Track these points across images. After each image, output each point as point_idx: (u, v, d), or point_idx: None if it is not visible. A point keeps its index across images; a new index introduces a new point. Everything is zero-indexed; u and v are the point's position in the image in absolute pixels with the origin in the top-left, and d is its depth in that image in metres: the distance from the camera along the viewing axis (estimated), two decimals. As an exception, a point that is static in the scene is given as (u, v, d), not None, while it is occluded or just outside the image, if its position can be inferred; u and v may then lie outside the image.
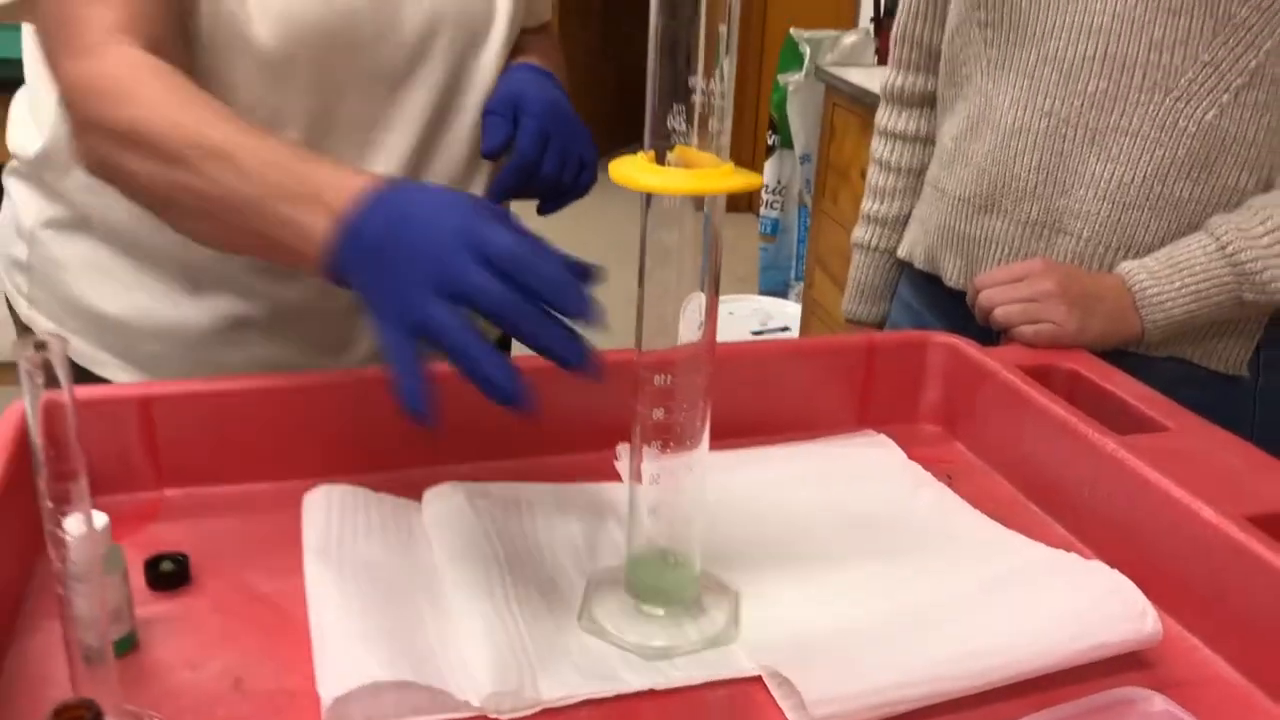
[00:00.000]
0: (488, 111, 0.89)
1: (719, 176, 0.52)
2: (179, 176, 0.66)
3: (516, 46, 0.94)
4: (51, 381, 0.47)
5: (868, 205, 1.16)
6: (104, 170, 0.72)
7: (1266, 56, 0.84)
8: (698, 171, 0.52)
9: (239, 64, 0.78)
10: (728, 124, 0.53)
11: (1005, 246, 0.96)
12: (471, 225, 0.55)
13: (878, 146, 1.15)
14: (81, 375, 0.91)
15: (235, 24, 0.77)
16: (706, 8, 0.51)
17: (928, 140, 1.11)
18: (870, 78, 2.12)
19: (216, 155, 0.65)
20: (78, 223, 0.88)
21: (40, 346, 0.47)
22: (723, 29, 0.51)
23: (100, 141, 0.70)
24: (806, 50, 2.89)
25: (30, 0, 0.75)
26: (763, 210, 3.20)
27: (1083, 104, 0.89)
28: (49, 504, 0.49)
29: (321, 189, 0.61)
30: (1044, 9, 0.90)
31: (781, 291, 3.19)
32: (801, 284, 2.82)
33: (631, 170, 0.53)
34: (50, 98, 0.84)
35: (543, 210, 0.90)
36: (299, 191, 0.62)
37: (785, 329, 2.74)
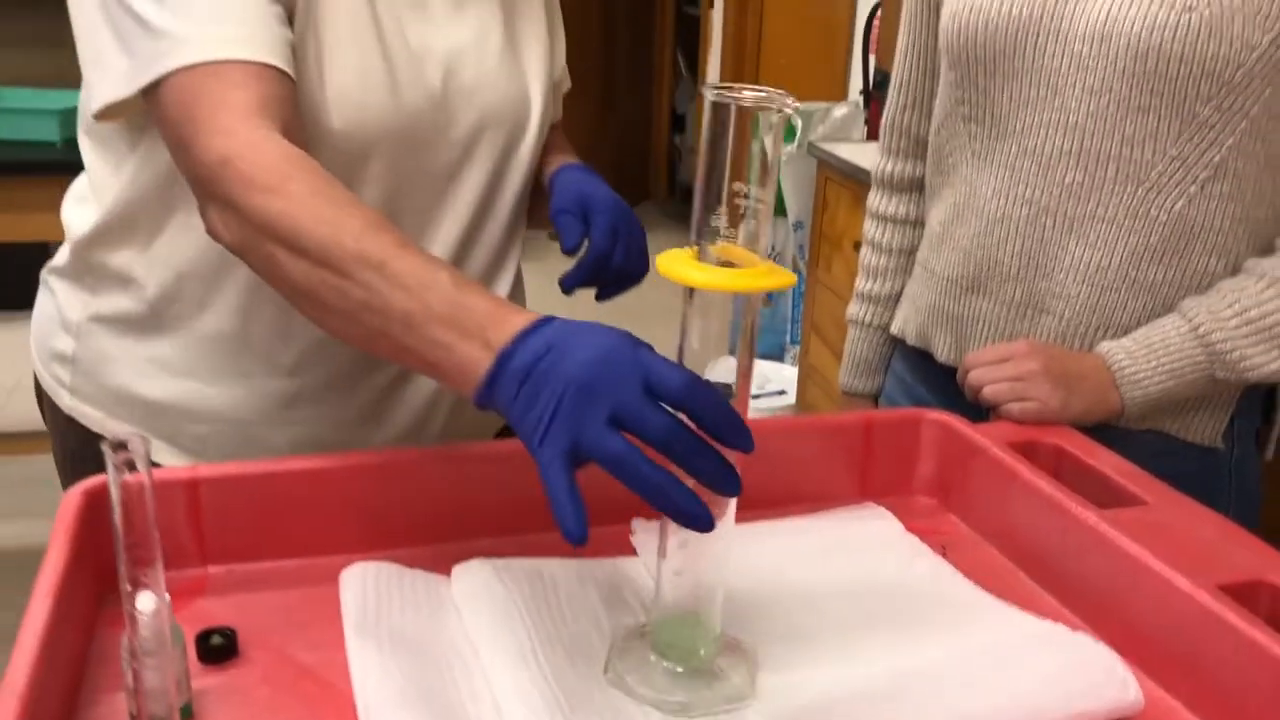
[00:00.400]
0: (560, 210, 0.97)
1: (756, 275, 0.58)
2: (330, 279, 0.69)
3: (547, 145, 1.04)
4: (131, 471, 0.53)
5: (861, 284, 1.22)
6: (244, 252, 0.75)
7: (1229, 152, 0.91)
8: (738, 271, 0.58)
9: (312, 150, 0.85)
10: (766, 225, 0.59)
11: (992, 326, 1.02)
12: (642, 360, 0.59)
13: (870, 228, 1.21)
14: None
15: (313, 111, 0.84)
16: (737, 130, 0.57)
17: (917, 222, 1.17)
18: (859, 153, 2.20)
19: (373, 266, 0.68)
20: (127, 314, 0.93)
21: (123, 446, 0.52)
22: (758, 147, 0.57)
23: (243, 226, 0.73)
24: (798, 122, 2.97)
25: (153, 95, 0.78)
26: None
27: (1061, 194, 0.96)
28: (127, 587, 0.54)
29: (484, 324, 0.64)
30: (1023, 106, 0.97)
31: (778, 355, 3.25)
32: (797, 347, 2.88)
33: (678, 266, 0.59)
34: (114, 178, 0.90)
35: (601, 297, 0.98)
36: (459, 321, 0.65)
37: (782, 392, 2.79)
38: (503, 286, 1.02)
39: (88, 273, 0.95)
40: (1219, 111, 0.90)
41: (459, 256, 0.96)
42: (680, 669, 0.65)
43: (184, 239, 0.90)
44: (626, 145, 5.36)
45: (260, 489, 0.76)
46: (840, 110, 2.94)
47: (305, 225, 0.70)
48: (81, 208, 0.95)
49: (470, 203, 0.95)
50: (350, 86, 0.85)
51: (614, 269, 0.96)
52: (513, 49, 0.98)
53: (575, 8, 4.78)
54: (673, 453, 0.58)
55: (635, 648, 0.67)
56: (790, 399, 2.70)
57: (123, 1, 0.78)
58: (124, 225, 0.91)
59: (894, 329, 1.17)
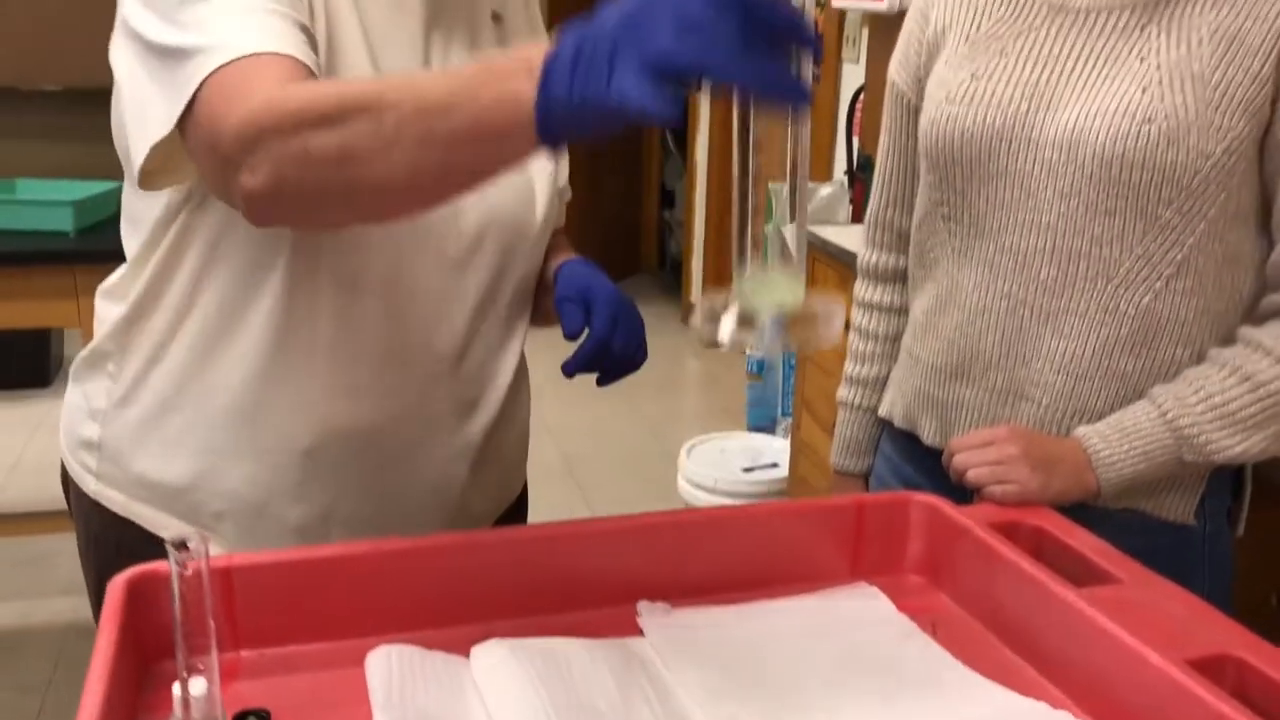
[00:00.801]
0: (564, 299, 1.03)
1: None
2: (364, 125, 0.70)
3: (550, 245, 1.12)
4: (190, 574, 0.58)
5: (850, 368, 1.28)
6: (279, 183, 0.75)
7: (1190, 251, 0.98)
8: None
9: (329, 235, 0.91)
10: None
11: (975, 411, 1.08)
12: None
13: (857, 315, 1.28)
14: (145, 539, 1.01)
15: None
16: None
17: (902, 310, 1.23)
18: (845, 235, 2.28)
19: (395, 87, 0.72)
20: (149, 396, 0.99)
21: (183, 545, 0.57)
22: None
23: (272, 147, 0.74)
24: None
25: (189, 121, 0.80)
26: (748, 352, 3.34)
27: (1037, 289, 1.02)
28: (184, 673, 0.59)
29: (514, 62, 0.66)
30: (999, 207, 1.04)
31: (769, 428, 3.31)
32: (789, 420, 2.94)
33: None
34: (154, 250, 0.95)
35: (602, 382, 1.04)
36: (492, 73, 0.68)
37: (774, 465, 2.84)
38: (506, 370, 1.08)
39: (114, 360, 1.01)
40: (1179, 214, 0.97)
41: (467, 337, 1.02)
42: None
43: (208, 325, 0.96)
44: (617, 220, 5.47)
45: (289, 576, 0.81)
46: (826, 190, 3.03)
47: (320, 96, 0.73)
48: (113, 298, 1.01)
49: (477, 290, 1.02)
50: None
51: (614, 355, 1.01)
52: None
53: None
54: (756, 19, 0.59)
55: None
56: (783, 472, 2.75)
57: (151, 46, 0.83)
58: (151, 314, 0.97)
59: (882, 411, 1.23)
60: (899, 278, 1.23)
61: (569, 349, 1.01)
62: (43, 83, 2.05)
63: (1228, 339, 1.01)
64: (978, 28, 1.08)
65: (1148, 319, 1.00)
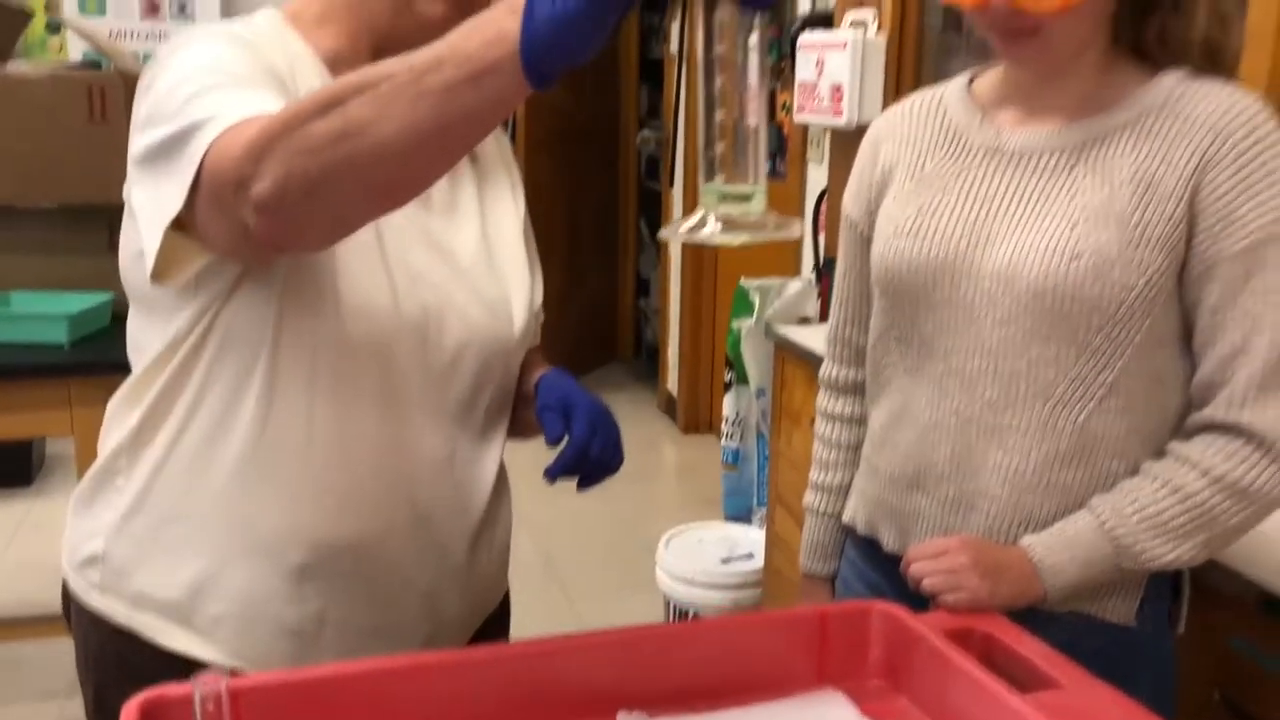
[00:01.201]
0: (544, 408, 1.12)
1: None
2: (363, 100, 0.76)
3: (526, 360, 1.21)
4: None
5: (815, 475, 1.36)
6: (285, 182, 0.79)
7: (1120, 373, 1.07)
8: None
9: (320, 350, 0.98)
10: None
11: (930, 520, 1.16)
12: None
13: (820, 425, 1.36)
14: (146, 653, 1.06)
15: (326, 318, 1.00)
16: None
17: (862, 420, 1.31)
18: (813, 335, 2.38)
19: (390, 62, 0.76)
20: (154, 509, 1.05)
21: (207, 680, 0.64)
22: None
23: (279, 148, 0.79)
24: (756, 298, 3.17)
25: (196, 195, 0.87)
26: (724, 441, 3.42)
27: (982, 407, 1.11)
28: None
29: (495, 11, 0.73)
30: (946, 332, 1.13)
31: (745, 517, 3.37)
32: (764, 509, 3.00)
33: None
34: (161, 371, 1.03)
35: (582, 485, 1.10)
36: (476, 24, 0.74)
37: (750, 555, 2.90)
38: (486, 479, 1.15)
39: (123, 474, 1.07)
40: (1108, 340, 1.06)
41: (449, 448, 1.10)
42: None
43: (206, 435, 1.03)
44: (594, 309, 5.57)
45: (296, 696, 0.87)
46: (795, 285, 3.14)
47: (317, 93, 0.79)
48: (120, 416, 1.08)
49: (457, 402, 1.10)
50: (358, 300, 1.01)
51: (592, 460, 1.09)
52: (497, 279, 1.14)
53: (546, 184, 5.04)
54: None
55: None
56: (759, 563, 2.81)
57: (159, 146, 0.91)
58: (158, 429, 1.05)
59: (845, 518, 1.30)
60: (858, 389, 1.31)
61: (548, 454, 1.09)
62: (40, 200, 2.13)
63: (1160, 452, 1.10)
64: (922, 167, 1.18)
65: (1084, 435, 1.08)
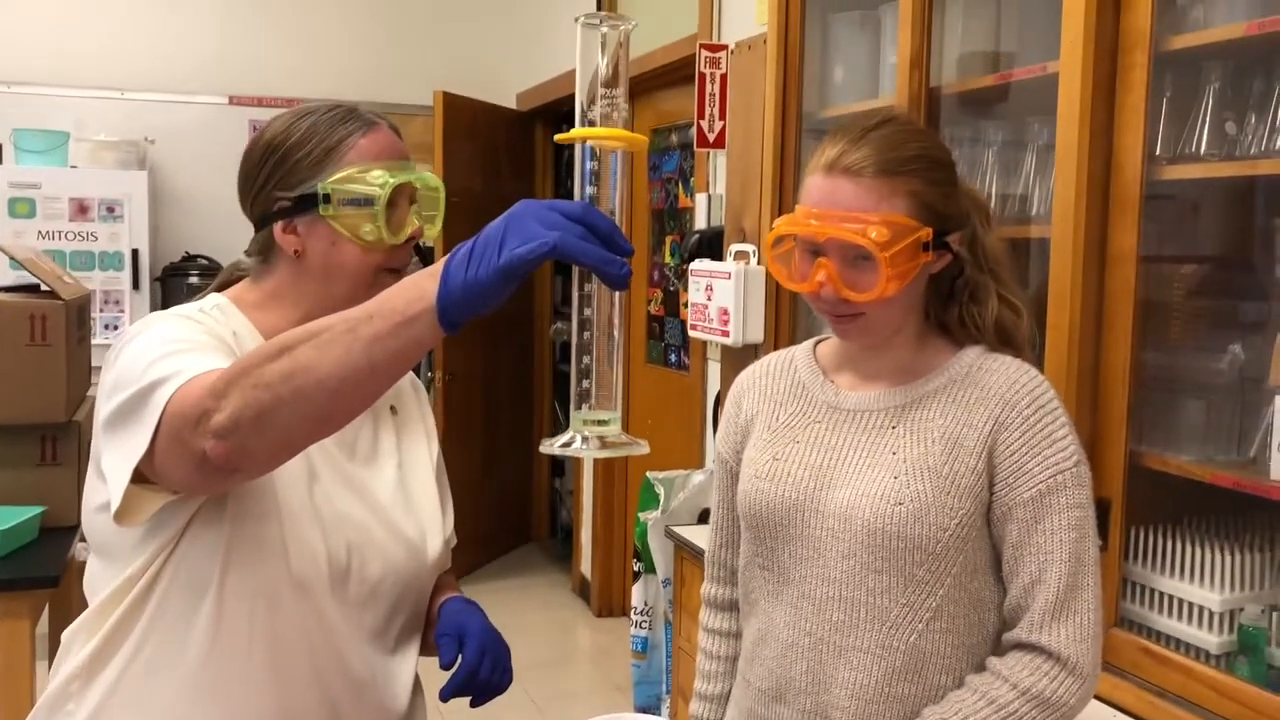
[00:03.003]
0: (440, 634, 1.28)
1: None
2: (301, 347, 0.95)
3: (436, 584, 1.38)
4: None
5: (699, 685, 1.52)
6: (237, 418, 0.96)
7: (942, 599, 1.26)
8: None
9: (274, 591, 1.16)
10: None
11: (792, 730, 1.32)
12: (547, 201, 0.92)
13: (702, 638, 1.52)
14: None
15: (262, 532, 1.16)
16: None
17: (739, 634, 1.49)
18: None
19: (329, 317, 0.96)
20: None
21: None
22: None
23: (236, 386, 0.96)
24: (661, 490, 3.36)
25: (155, 443, 1.03)
26: (633, 630, 3.54)
27: (830, 630, 1.29)
28: None
29: (419, 275, 0.93)
30: (799, 562, 1.32)
31: (655, 707, 3.46)
32: (670, 696, 3.11)
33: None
34: (115, 607, 1.17)
35: (474, 704, 1.26)
36: (402, 286, 0.94)
37: (658, 744, 2.99)
38: (403, 692, 1.30)
39: (71, 699, 1.20)
40: (930, 572, 1.26)
41: (368, 665, 1.25)
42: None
43: (157, 664, 1.17)
44: (510, 491, 5.70)
45: None
46: (698, 477, 3.34)
47: (268, 343, 0.98)
48: (72, 648, 1.21)
49: (377, 622, 1.26)
50: (293, 541, 1.18)
51: (481, 683, 1.25)
52: (413, 514, 1.32)
53: (463, 373, 5.17)
54: (591, 222, 0.89)
55: None
56: (666, 752, 2.90)
57: (124, 406, 1.07)
58: (109, 659, 1.18)
59: (724, 725, 1.46)
60: (735, 606, 1.49)
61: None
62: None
63: (980, 666, 1.29)
64: (777, 418, 1.40)
65: (916, 654, 1.27)
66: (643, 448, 1.01)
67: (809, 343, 1.46)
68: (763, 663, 1.36)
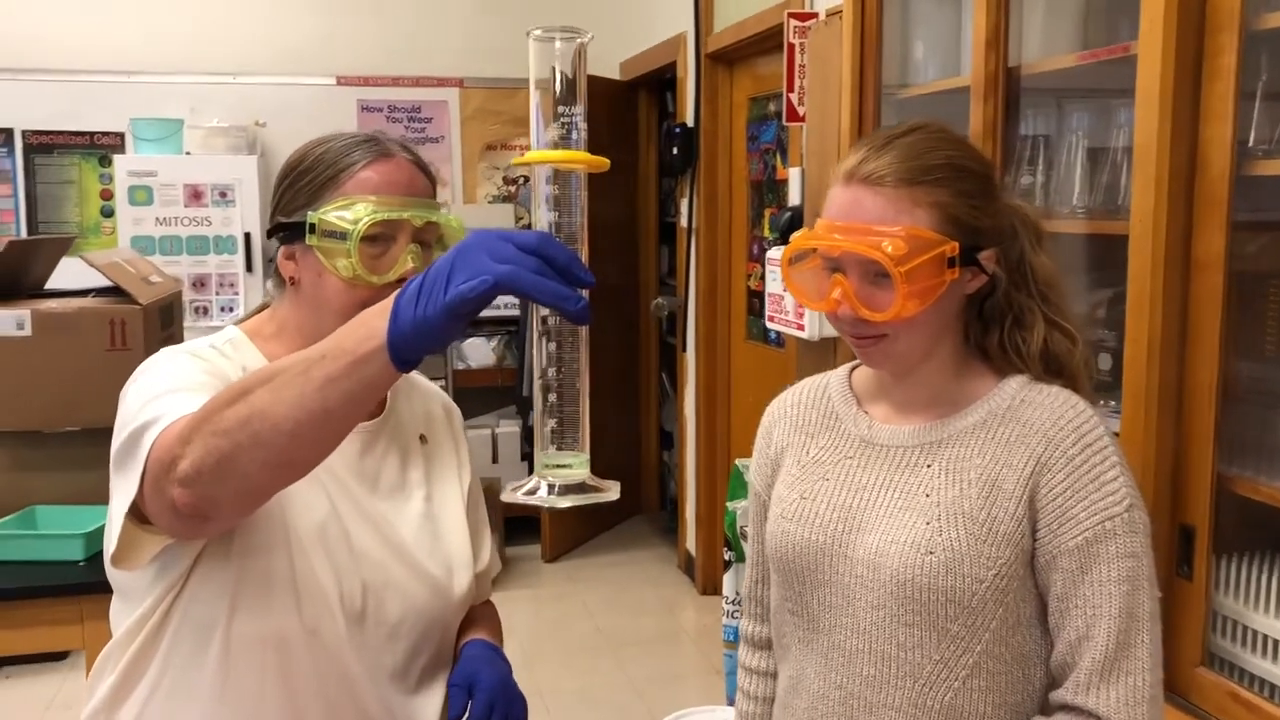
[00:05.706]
0: (451, 683, 1.24)
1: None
2: (258, 391, 0.93)
3: (468, 616, 1.33)
4: None
5: (737, 724, 1.45)
6: (201, 461, 0.95)
7: (980, 656, 1.16)
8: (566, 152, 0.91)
9: (269, 608, 1.15)
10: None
11: (821, 785, 1.24)
12: (501, 230, 0.85)
13: (741, 677, 1.46)
14: None
15: (270, 572, 1.15)
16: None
17: (776, 674, 1.41)
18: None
19: (284, 360, 0.94)
20: None
21: None
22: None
23: (197, 432, 0.96)
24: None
25: (144, 485, 1.02)
26: (724, 619, 3.47)
27: (861, 683, 1.20)
28: None
29: (369, 312, 0.90)
30: (829, 610, 1.23)
31: (747, 694, 3.40)
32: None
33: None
34: (127, 648, 1.17)
35: None
36: (352, 325, 0.91)
37: (747, 738, 2.93)
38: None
39: None
40: (965, 627, 1.16)
41: (388, 703, 1.23)
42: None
43: (172, 706, 1.17)
44: (618, 463, 5.69)
45: None
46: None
47: (226, 390, 0.96)
48: (98, 678, 1.22)
49: (396, 666, 1.24)
50: (304, 581, 1.16)
51: None
52: (440, 550, 1.28)
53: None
54: (548, 254, 0.84)
55: None
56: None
57: (118, 451, 1.06)
58: (127, 695, 1.19)
59: (762, 767, 1.39)
60: (771, 644, 1.41)
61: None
62: (65, 425, 2.33)
63: (1025, 725, 1.19)
64: (807, 452, 1.31)
65: (952, 713, 1.17)
66: (611, 494, 0.94)
67: (845, 368, 1.36)
68: (794, 712, 1.28)
